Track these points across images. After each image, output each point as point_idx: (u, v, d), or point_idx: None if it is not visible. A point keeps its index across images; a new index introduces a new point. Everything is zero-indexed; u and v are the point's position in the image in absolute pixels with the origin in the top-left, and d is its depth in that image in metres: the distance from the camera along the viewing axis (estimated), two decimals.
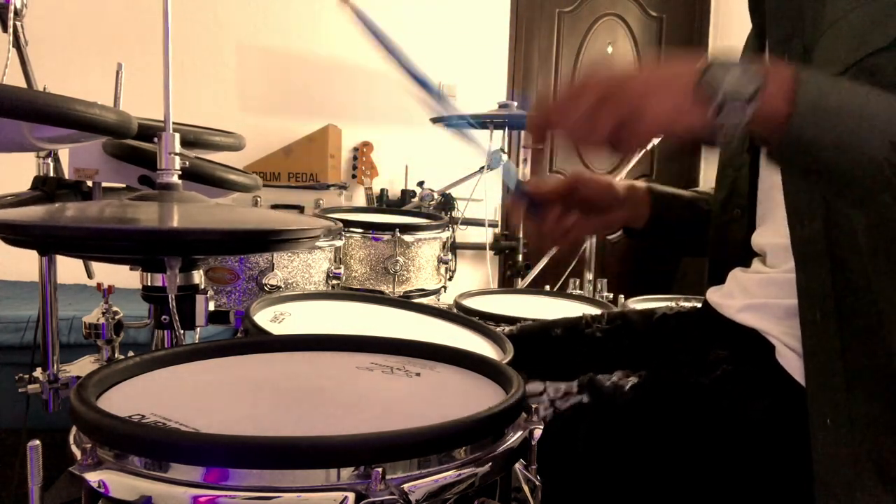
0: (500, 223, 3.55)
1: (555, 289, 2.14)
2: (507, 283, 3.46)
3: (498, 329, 1.10)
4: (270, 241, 0.82)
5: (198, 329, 0.98)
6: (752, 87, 0.58)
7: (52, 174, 1.25)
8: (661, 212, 1.02)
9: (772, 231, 0.82)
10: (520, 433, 0.59)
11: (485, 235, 3.05)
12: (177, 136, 0.98)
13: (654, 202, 1.02)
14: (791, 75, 0.59)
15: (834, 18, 0.70)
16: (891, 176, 0.58)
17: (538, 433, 0.59)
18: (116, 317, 1.34)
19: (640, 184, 1.04)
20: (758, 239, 0.87)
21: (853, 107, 0.59)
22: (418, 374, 0.73)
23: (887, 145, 0.57)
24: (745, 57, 0.61)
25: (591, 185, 0.97)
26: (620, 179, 1.02)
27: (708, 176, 3.72)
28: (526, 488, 0.59)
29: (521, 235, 3.45)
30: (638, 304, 1.66)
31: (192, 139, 1.28)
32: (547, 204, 0.93)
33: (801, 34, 0.74)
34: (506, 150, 2.37)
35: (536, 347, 1.04)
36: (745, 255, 0.89)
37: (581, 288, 1.97)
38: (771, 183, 0.82)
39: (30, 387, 1.29)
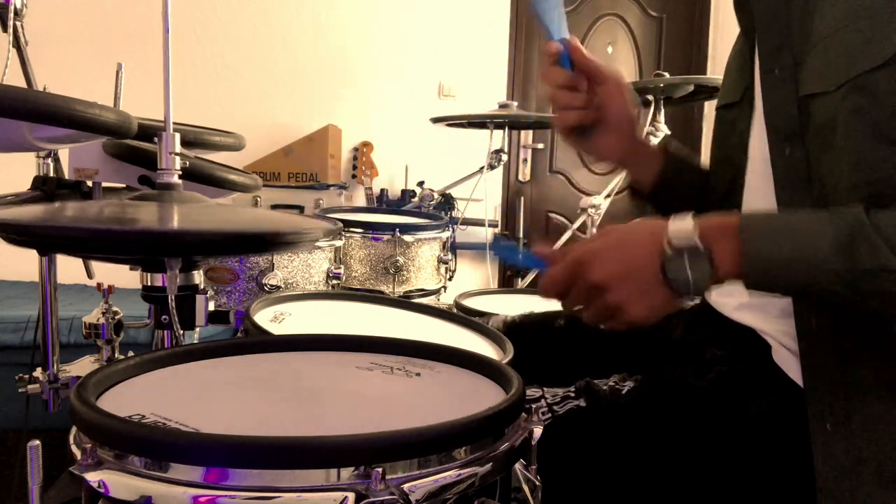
0: (500, 223, 3.55)
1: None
2: (507, 283, 3.47)
3: (500, 317, 1.10)
4: (270, 242, 0.82)
5: (198, 329, 0.98)
6: (707, 271, 0.64)
7: (52, 174, 1.25)
8: (672, 174, 0.97)
9: None
10: (520, 433, 0.59)
11: (485, 235, 3.05)
12: (177, 135, 0.98)
13: (667, 162, 0.97)
14: (736, 241, 0.64)
15: (825, 34, 0.70)
16: (858, 303, 0.63)
17: (538, 433, 0.60)
18: (116, 317, 1.34)
19: (663, 138, 1.00)
20: None
21: (799, 256, 0.63)
22: (418, 374, 0.73)
23: (839, 282, 0.61)
24: (693, 227, 0.66)
25: (618, 91, 0.89)
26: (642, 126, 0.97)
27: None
28: (526, 488, 0.59)
29: (520, 235, 3.45)
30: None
31: (192, 139, 1.28)
32: (579, 67, 0.87)
33: (790, 46, 0.74)
34: (505, 150, 2.36)
35: (538, 338, 1.04)
36: None
37: None
38: (760, 194, 0.82)
39: (30, 387, 1.29)
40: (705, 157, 1.01)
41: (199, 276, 0.96)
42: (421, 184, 3.13)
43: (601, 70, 0.88)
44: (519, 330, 0.91)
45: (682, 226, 0.66)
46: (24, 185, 1.16)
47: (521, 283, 2.51)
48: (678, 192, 0.97)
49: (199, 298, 0.95)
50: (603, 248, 0.69)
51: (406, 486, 0.49)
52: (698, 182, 0.98)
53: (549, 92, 0.90)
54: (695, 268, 0.64)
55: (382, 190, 3.33)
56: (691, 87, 2.09)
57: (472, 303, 1.51)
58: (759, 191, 0.83)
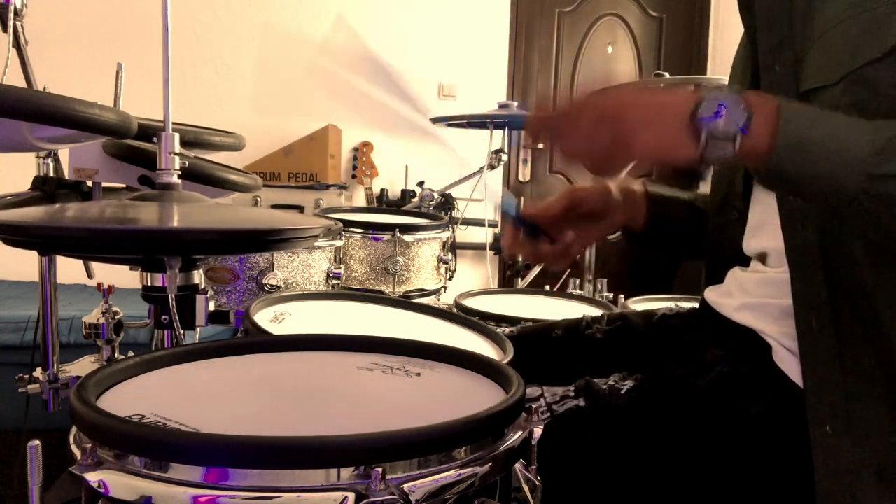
0: (500, 223, 3.55)
1: (555, 289, 2.15)
2: (507, 283, 3.46)
3: (498, 330, 1.09)
4: (270, 240, 0.82)
5: (198, 329, 0.98)
6: (738, 124, 0.61)
7: (52, 174, 1.25)
8: (658, 213, 1.01)
9: (769, 235, 0.82)
10: (520, 433, 0.59)
11: (485, 235, 3.05)
12: (176, 135, 0.98)
13: (651, 203, 1.01)
14: (775, 111, 0.62)
15: (825, 28, 0.70)
16: (867, 204, 0.61)
17: (538, 433, 0.59)
18: (116, 317, 1.34)
19: (637, 185, 1.03)
20: (753, 242, 0.87)
21: (832, 143, 0.61)
22: (418, 374, 0.73)
23: (864, 178, 0.60)
24: (734, 86, 0.63)
25: (589, 195, 0.96)
26: (618, 180, 1.01)
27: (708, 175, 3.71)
28: (526, 488, 0.59)
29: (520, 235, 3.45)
30: (638, 304, 1.66)
31: (192, 139, 1.28)
32: (547, 227, 0.93)
33: (791, 42, 0.74)
34: (506, 150, 2.36)
35: (536, 349, 1.04)
36: (743, 257, 0.89)
37: (581, 288, 1.97)
38: (761, 196, 0.82)
39: (30, 387, 1.29)
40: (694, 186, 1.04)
41: (199, 276, 0.96)
42: (421, 184, 3.13)
43: (558, 204, 0.94)
44: (515, 343, 0.91)
45: (725, 88, 0.63)
46: (24, 185, 1.16)
47: (522, 283, 2.51)
48: (667, 226, 1.03)
49: (199, 298, 0.95)
50: (629, 86, 0.66)
51: (406, 486, 0.49)
52: (684, 214, 1.03)
53: (547, 255, 0.95)
54: (730, 112, 0.61)
55: (382, 190, 3.33)
56: (691, 88, 2.09)
57: (472, 303, 1.50)
58: (760, 191, 0.83)
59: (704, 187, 1.03)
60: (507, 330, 1.12)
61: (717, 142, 0.61)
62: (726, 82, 0.97)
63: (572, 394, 0.81)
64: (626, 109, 0.64)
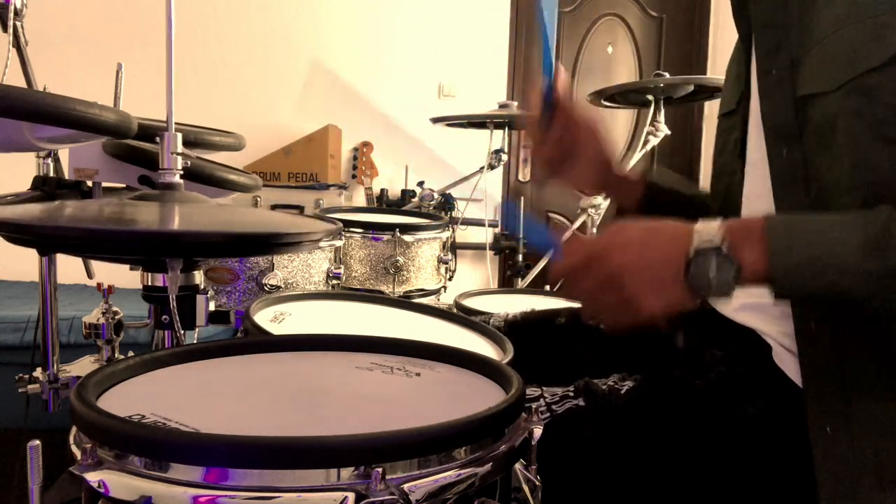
0: (500, 223, 3.55)
1: (555, 289, 2.14)
2: (507, 283, 3.46)
3: (501, 314, 1.09)
4: (271, 243, 0.82)
5: (198, 329, 0.98)
6: (731, 273, 0.63)
7: (52, 174, 1.25)
8: (653, 204, 1.00)
9: None
10: (520, 433, 0.59)
11: (485, 235, 3.05)
12: (179, 135, 0.98)
13: (649, 191, 1.00)
14: (762, 240, 0.63)
15: (823, 34, 0.70)
16: (881, 299, 0.61)
17: (538, 433, 0.60)
18: (116, 317, 1.34)
19: (636, 172, 1.01)
20: None
21: (825, 257, 0.62)
22: (418, 374, 0.73)
23: (866, 278, 0.60)
24: (718, 230, 0.65)
25: (590, 125, 0.93)
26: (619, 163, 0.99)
27: (708, 174, 3.72)
28: (526, 488, 0.59)
29: (521, 235, 3.45)
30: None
31: (193, 139, 1.28)
32: (560, 111, 0.91)
33: (787, 46, 0.73)
34: (505, 150, 2.36)
35: (539, 335, 1.04)
36: None
37: None
38: (758, 198, 0.82)
39: (30, 387, 1.29)
40: (706, 157, 1.03)
41: (199, 276, 0.96)
42: (421, 184, 3.13)
43: (577, 108, 0.92)
44: (520, 328, 0.91)
45: (708, 227, 0.65)
46: (24, 185, 1.16)
47: (522, 283, 2.51)
48: (661, 217, 1.00)
49: (200, 298, 0.95)
50: (624, 240, 0.67)
51: (406, 486, 0.49)
52: (682, 207, 0.99)
53: (525, 128, 0.93)
54: (719, 270, 0.63)
55: (382, 190, 3.33)
56: (691, 87, 2.09)
57: (472, 303, 1.50)
58: (757, 195, 0.83)
59: (706, 184, 1.02)
60: (511, 315, 1.12)
61: (716, 290, 0.63)
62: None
63: (572, 394, 0.81)
64: (625, 274, 0.66)
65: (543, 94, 0.90)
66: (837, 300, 0.65)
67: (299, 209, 2.82)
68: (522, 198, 3.60)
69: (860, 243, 0.60)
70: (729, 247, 0.63)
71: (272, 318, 1.05)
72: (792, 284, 0.63)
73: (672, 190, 1.03)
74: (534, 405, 0.62)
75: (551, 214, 3.68)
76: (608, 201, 2.28)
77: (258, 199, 1.74)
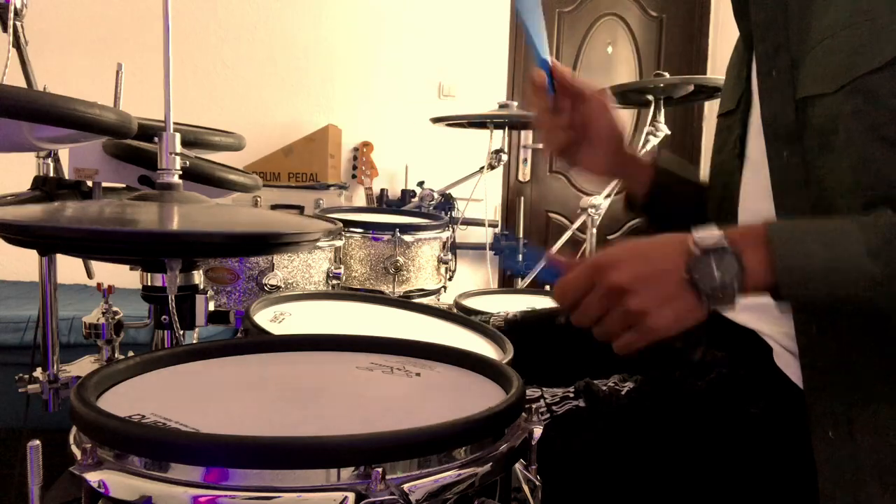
0: (500, 223, 3.55)
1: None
2: (507, 283, 3.46)
3: (501, 314, 1.09)
4: (271, 242, 0.82)
5: (198, 329, 0.98)
6: (736, 269, 0.61)
7: (52, 174, 1.25)
8: (662, 188, 0.98)
9: None
10: (520, 433, 0.59)
11: (485, 235, 3.05)
12: (177, 135, 0.98)
13: (657, 175, 0.98)
14: (764, 246, 0.62)
15: (824, 35, 0.69)
16: (885, 305, 0.61)
17: (538, 433, 0.59)
18: (116, 317, 1.34)
19: (647, 160, 0.99)
20: None
21: (829, 263, 0.61)
22: (418, 374, 0.73)
23: (871, 284, 0.60)
24: (720, 235, 0.63)
25: (601, 108, 0.91)
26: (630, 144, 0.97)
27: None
28: (526, 488, 0.59)
29: (521, 235, 3.45)
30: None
31: (192, 139, 1.28)
32: (564, 97, 0.90)
33: (787, 48, 0.73)
34: (505, 150, 2.36)
35: (539, 335, 1.03)
36: None
37: None
38: (757, 199, 0.82)
39: (30, 387, 1.29)
40: (705, 157, 1.03)
41: (199, 276, 0.96)
42: (421, 184, 3.13)
43: (583, 89, 0.89)
44: (520, 327, 0.91)
45: (708, 232, 0.63)
46: (24, 185, 1.16)
47: (522, 283, 2.51)
48: (670, 204, 0.98)
49: (199, 298, 0.95)
50: (624, 253, 0.65)
51: (406, 486, 0.49)
52: (691, 194, 0.98)
53: (533, 117, 0.91)
54: (722, 267, 0.61)
55: (382, 190, 3.33)
56: (691, 87, 2.09)
57: (472, 303, 1.51)
58: (756, 196, 0.83)
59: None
60: (511, 314, 1.12)
61: (721, 290, 0.62)
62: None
63: (572, 395, 0.81)
64: (627, 288, 0.63)
65: (545, 87, 0.89)
66: (840, 305, 0.64)
67: (299, 209, 2.82)
68: (522, 198, 3.60)
69: (863, 249, 0.60)
70: (731, 245, 0.62)
71: (272, 318, 1.05)
72: (796, 290, 0.62)
73: (681, 175, 1.01)
74: (534, 406, 0.62)
75: (551, 215, 3.68)
76: (608, 201, 2.29)
77: (258, 199, 1.74)
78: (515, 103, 2.32)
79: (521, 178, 3.69)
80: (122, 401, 0.62)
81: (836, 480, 0.67)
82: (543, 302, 1.65)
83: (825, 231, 0.63)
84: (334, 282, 1.50)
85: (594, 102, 0.90)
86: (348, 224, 1.67)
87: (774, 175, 0.74)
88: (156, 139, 0.97)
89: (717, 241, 0.62)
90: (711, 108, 3.44)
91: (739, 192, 0.87)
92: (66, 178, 1.24)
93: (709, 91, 2.12)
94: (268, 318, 1.04)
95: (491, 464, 0.55)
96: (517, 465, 0.59)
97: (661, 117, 2.14)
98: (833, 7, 0.69)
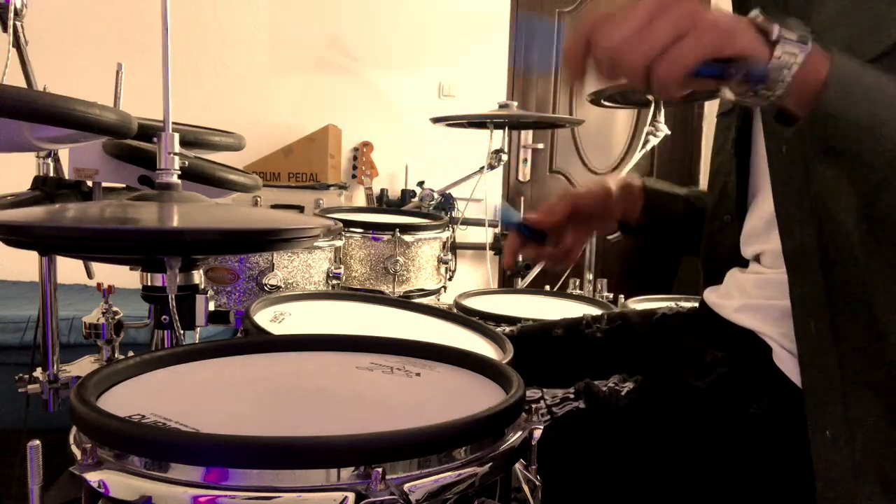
0: (500, 223, 3.55)
1: (555, 289, 2.14)
2: (507, 283, 3.46)
3: (498, 329, 1.09)
4: (270, 240, 0.82)
5: (198, 329, 0.98)
6: (801, 31, 0.58)
7: (52, 174, 1.25)
8: (654, 207, 1.03)
9: (766, 238, 0.82)
10: (520, 433, 0.59)
11: (485, 235, 3.04)
12: (176, 136, 0.97)
13: (648, 197, 1.03)
14: (824, 50, 0.60)
15: (823, 27, 0.69)
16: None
17: (538, 433, 0.59)
18: (116, 317, 1.34)
19: (635, 180, 1.04)
20: (750, 249, 0.86)
21: (882, 89, 0.60)
22: (418, 374, 0.73)
23: None
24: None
25: (589, 199, 0.99)
26: (616, 176, 1.04)
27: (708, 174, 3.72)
28: (526, 488, 0.59)
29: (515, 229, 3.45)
30: (638, 304, 1.66)
31: (192, 139, 1.28)
32: (549, 232, 0.96)
33: None
34: (505, 150, 2.36)
35: (536, 348, 1.04)
36: (741, 258, 0.89)
37: (581, 288, 1.97)
38: (762, 192, 0.82)
39: (30, 387, 1.29)
40: (705, 157, 1.05)
41: (199, 276, 0.96)
42: (421, 184, 3.13)
43: (560, 211, 0.96)
44: (516, 341, 0.91)
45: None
46: (24, 185, 1.16)
47: (522, 283, 2.51)
48: (662, 219, 1.05)
49: (199, 298, 0.95)
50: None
51: (406, 486, 0.49)
52: (680, 209, 1.05)
53: (549, 257, 0.98)
54: (788, 27, 0.58)
55: (382, 190, 3.33)
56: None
57: (472, 303, 1.50)
58: (757, 193, 0.83)
59: (705, 185, 1.03)
60: (508, 329, 1.12)
61: (787, 42, 0.57)
62: None
63: (572, 395, 0.81)
64: (689, 3, 0.56)
65: (523, 232, 0.96)
66: (874, 134, 0.60)
67: (299, 209, 2.82)
68: (522, 198, 3.60)
69: None
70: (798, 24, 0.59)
71: (272, 318, 1.05)
72: (842, 98, 0.58)
73: (668, 192, 1.06)
74: (534, 406, 0.62)
75: None
76: None
77: (258, 199, 1.74)
78: (515, 103, 2.31)
79: (521, 178, 3.69)
80: (122, 401, 0.62)
81: (833, 482, 0.67)
82: (543, 302, 1.65)
83: (877, 71, 0.61)
84: (334, 282, 1.50)
85: (576, 204, 0.97)
86: (348, 224, 1.67)
87: (774, 170, 0.74)
88: (155, 139, 0.97)
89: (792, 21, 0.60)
90: (711, 108, 3.43)
91: (736, 190, 0.87)
92: (66, 178, 1.24)
93: (709, 91, 2.12)
94: (268, 318, 1.04)
95: (491, 464, 0.55)
96: (517, 466, 0.59)
97: (661, 117, 2.14)
98: (832, 2, 0.70)
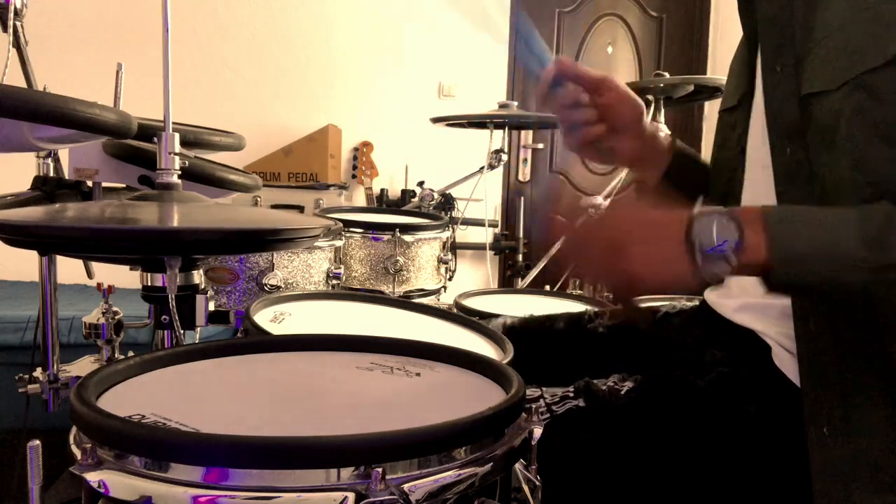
0: (500, 223, 3.55)
1: (555, 289, 2.14)
2: (507, 283, 3.46)
3: (500, 321, 1.09)
4: (270, 240, 0.82)
5: (198, 329, 0.98)
6: (735, 236, 0.63)
7: (52, 174, 1.25)
8: (678, 169, 0.98)
9: None
10: (520, 433, 0.59)
11: (485, 235, 3.05)
12: (176, 135, 0.98)
13: (675, 156, 0.98)
14: (762, 226, 0.63)
15: (827, 32, 0.70)
16: (876, 291, 0.63)
17: (538, 433, 0.59)
18: (116, 317, 1.34)
19: (666, 134, 0.99)
20: None
21: (823, 249, 0.62)
22: (418, 374, 0.73)
23: (864, 274, 0.61)
24: (723, 207, 0.65)
25: (620, 94, 0.91)
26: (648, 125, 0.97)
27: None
28: (526, 488, 0.59)
29: (521, 235, 3.45)
30: (640, 302, 1.66)
31: (192, 139, 1.28)
32: (570, 85, 0.89)
33: (791, 44, 0.74)
34: (505, 150, 2.36)
35: (538, 341, 1.04)
36: None
37: (581, 288, 1.97)
38: (759, 195, 0.82)
39: (30, 387, 1.29)
40: (706, 157, 1.03)
41: (199, 276, 0.96)
42: (421, 184, 3.13)
43: (596, 77, 0.90)
44: (518, 334, 0.91)
45: (710, 206, 0.65)
46: (24, 185, 1.16)
47: (522, 283, 2.51)
48: (683, 185, 0.98)
49: (199, 298, 0.95)
50: (630, 205, 0.69)
51: (406, 486, 0.49)
52: (701, 178, 0.99)
53: (557, 117, 0.91)
54: (721, 229, 0.62)
55: (382, 190, 3.33)
56: (691, 87, 2.09)
57: (472, 303, 1.50)
58: (758, 192, 0.83)
59: None
60: (509, 320, 1.11)
61: (714, 260, 0.63)
62: (724, 82, 0.97)
63: (572, 394, 0.81)
64: (626, 238, 0.66)
65: (552, 85, 0.89)
66: (833, 290, 0.65)
67: (299, 209, 2.82)
68: (522, 198, 3.60)
69: (860, 235, 0.61)
70: (732, 214, 0.63)
71: (272, 318, 1.05)
72: (790, 272, 0.63)
73: (695, 158, 1.02)
74: (534, 406, 0.62)
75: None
76: (608, 201, 2.29)
77: (258, 199, 1.74)
78: (515, 103, 2.31)
79: (521, 178, 3.69)
80: (122, 401, 0.62)
81: (830, 477, 0.67)
82: (543, 302, 1.65)
83: (823, 216, 0.64)
84: (334, 282, 1.50)
85: (610, 87, 0.90)
86: (348, 224, 1.67)
87: (777, 171, 0.74)
88: (155, 139, 0.97)
89: (719, 209, 0.64)
90: (711, 108, 3.44)
91: (742, 188, 0.87)
92: (66, 178, 1.24)
93: (709, 91, 2.12)
94: (268, 318, 1.04)
95: (491, 464, 0.55)
96: (517, 465, 0.59)
97: (661, 117, 2.14)
98: (837, 3, 0.69)
